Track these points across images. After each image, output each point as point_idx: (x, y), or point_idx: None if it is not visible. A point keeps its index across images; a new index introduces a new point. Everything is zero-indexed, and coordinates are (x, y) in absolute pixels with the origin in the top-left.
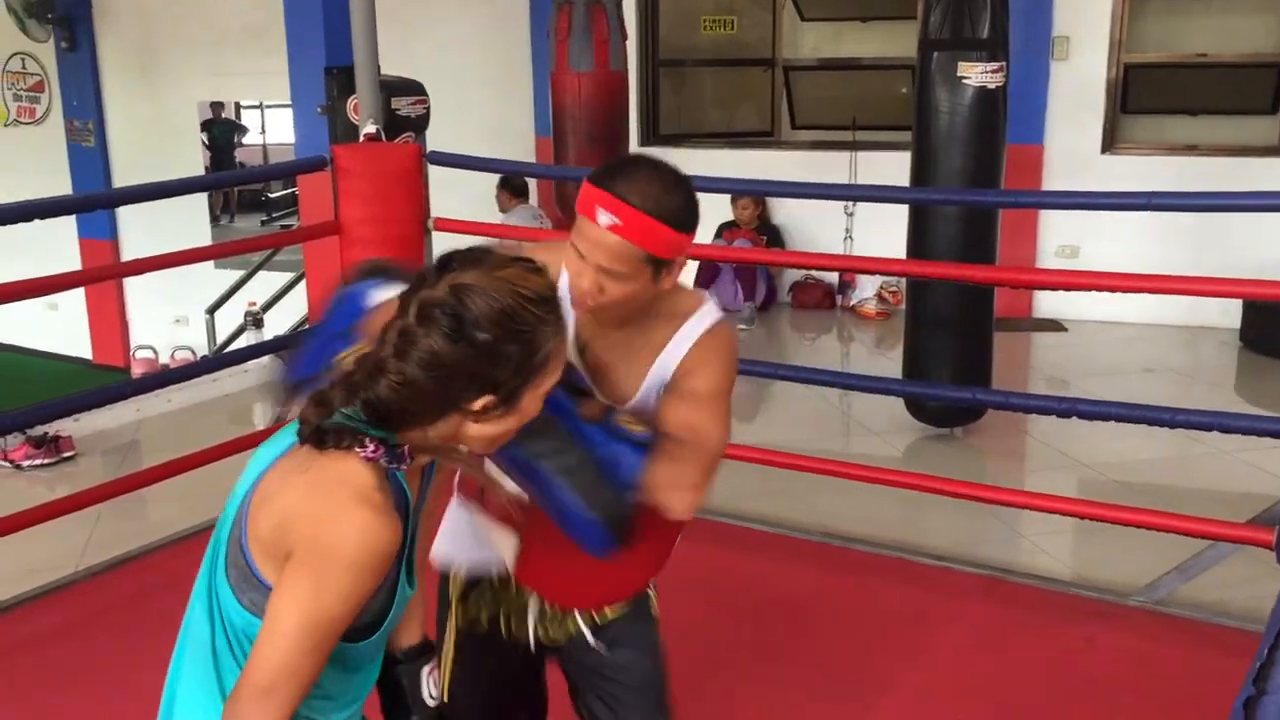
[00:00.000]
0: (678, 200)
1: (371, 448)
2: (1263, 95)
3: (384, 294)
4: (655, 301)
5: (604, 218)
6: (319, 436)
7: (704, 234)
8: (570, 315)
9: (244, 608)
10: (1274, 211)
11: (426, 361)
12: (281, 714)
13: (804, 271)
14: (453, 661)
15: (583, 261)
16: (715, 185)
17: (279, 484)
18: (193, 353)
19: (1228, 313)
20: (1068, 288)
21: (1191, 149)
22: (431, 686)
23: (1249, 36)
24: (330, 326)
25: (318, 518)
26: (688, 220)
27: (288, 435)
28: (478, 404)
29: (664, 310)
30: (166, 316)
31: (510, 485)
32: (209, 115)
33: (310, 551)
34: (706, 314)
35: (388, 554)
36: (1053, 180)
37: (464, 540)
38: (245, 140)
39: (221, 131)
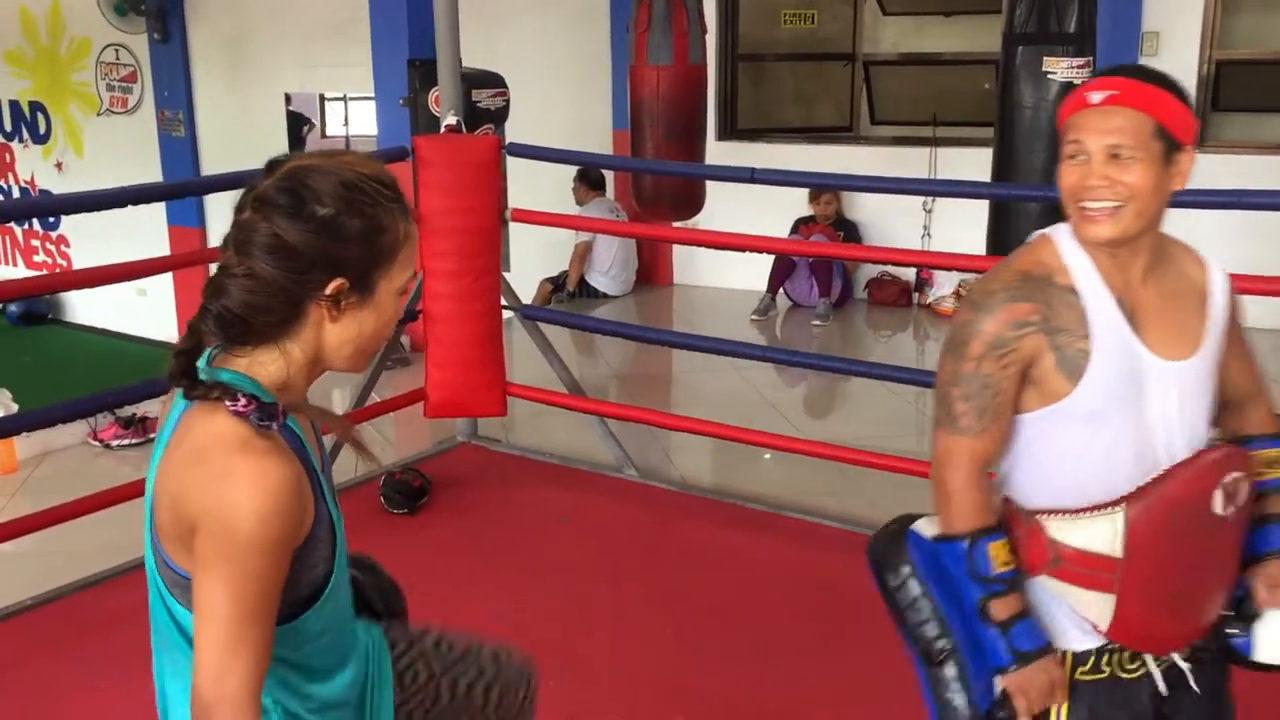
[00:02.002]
0: (1173, 81)
1: (243, 402)
2: None
3: None
4: (1165, 240)
5: (1098, 95)
6: (189, 386)
7: (781, 228)
8: (1099, 289)
9: (184, 606)
10: None
11: (269, 245)
12: (244, 694)
13: (881, 268)
14: None
15: (1084, 163)
16: (794, 179)
17: (162, 473)
18: None
19: None
20: None
21: None
22: None
23: None
24: None
25: (205, 484)
26: (1191, 104)
27: (175, 409)
28: (330, 287)
29: (1175, 248)
30: None
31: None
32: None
33: (211, 521)
34: (1209, 258)
35: (290, 490)
36: None
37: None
38: (326, 132)
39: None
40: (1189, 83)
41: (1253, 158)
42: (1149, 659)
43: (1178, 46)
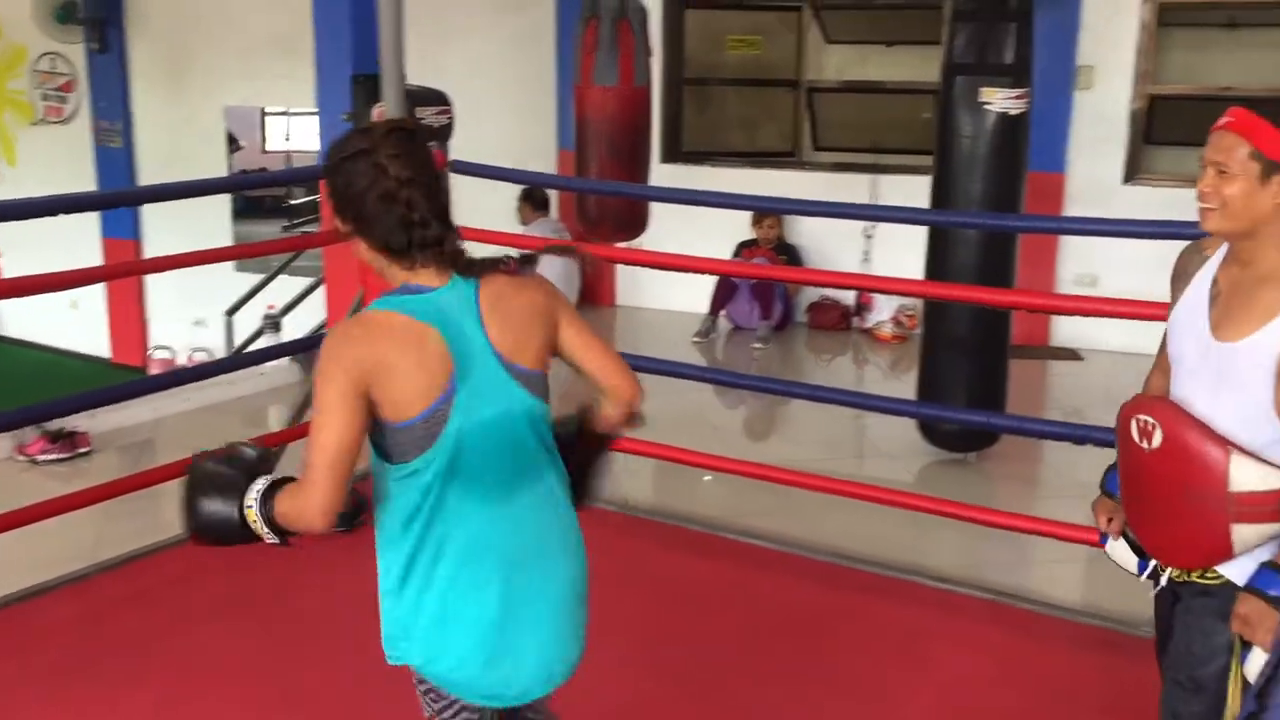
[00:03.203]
0: None
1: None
2: None
3: None
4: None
5: (1220, 121)
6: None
7: (723, 252)
8: (1212, 267)
9: (545, 401)
10: None
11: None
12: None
13: (821, 292)
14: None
15: (1202, 173)
16: (737, 202)
17: (501, 324)
18: (209, 354)
19: None
20: (1085, 313)
21: None
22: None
23: (1273, 71)
24: None
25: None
26: None
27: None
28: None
29: None
30: (186, 318)
31: None
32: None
33: (562, 303)
34: None
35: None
36: (1073, 209)
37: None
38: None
39: None
40: (1120, 117)
41: (1185, 190)
42: (1163, 573)
43: (1111, 80)
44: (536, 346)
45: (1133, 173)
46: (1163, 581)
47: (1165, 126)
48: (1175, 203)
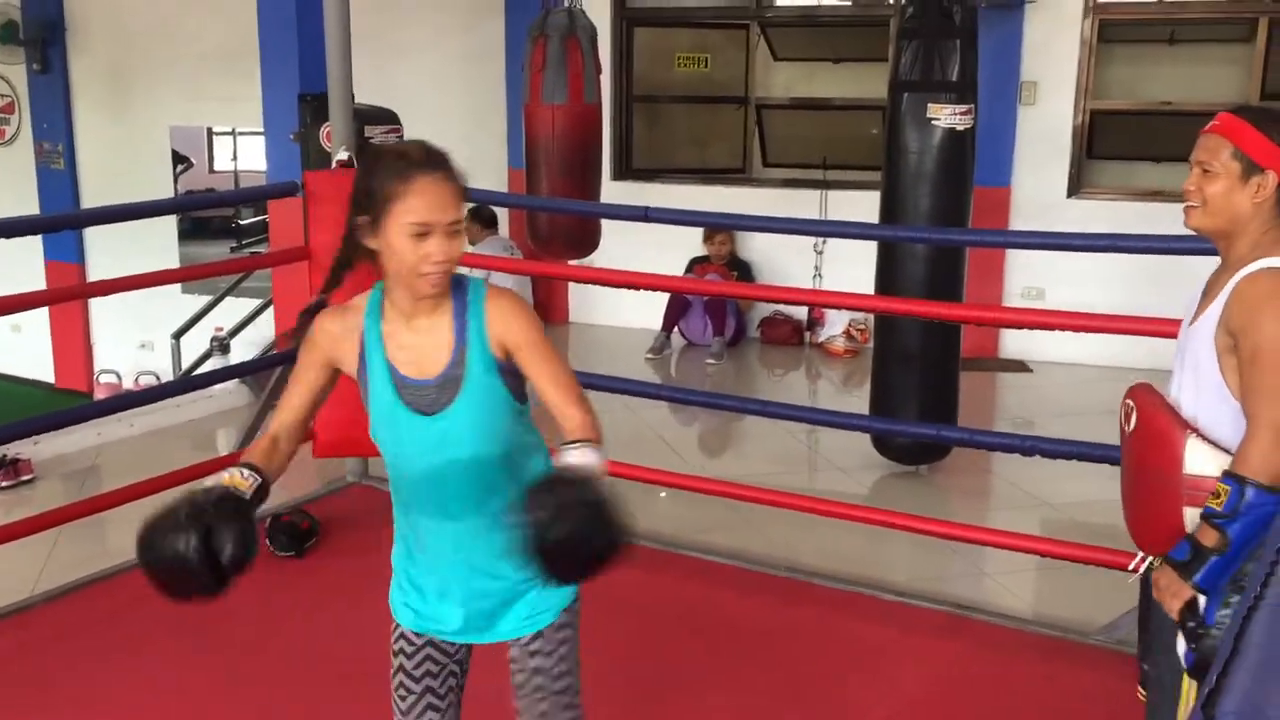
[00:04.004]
0: (1268, 118)
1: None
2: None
3: None
4: (1252, 249)
5: (1210, 124)
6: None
7: (675, 268)
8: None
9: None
10: None
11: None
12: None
13: (774, 307)
14: None
15: (1191, 170)
16: (688, 218)
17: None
18: (157, 378)
19: None
20: (1033, 326)
21: (1156, 194)
22: None
23: (1212, 86)
24: None
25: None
26: (1275, 137)
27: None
28: (359, 220)
29: (1251, 258)
30: (132, 341)
31: None
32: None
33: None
34: (1265, 261)
35: (319, 330)
36: (1019, 223)
37: None
38: (214, 167)
39: None
40: (1064, 131)
41: (1125, 203)
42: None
43: (1054, 97)
44: None
45: (1076, 187)
46: (1141, 569)
47: (1107, 141)
48: (1118, 216)
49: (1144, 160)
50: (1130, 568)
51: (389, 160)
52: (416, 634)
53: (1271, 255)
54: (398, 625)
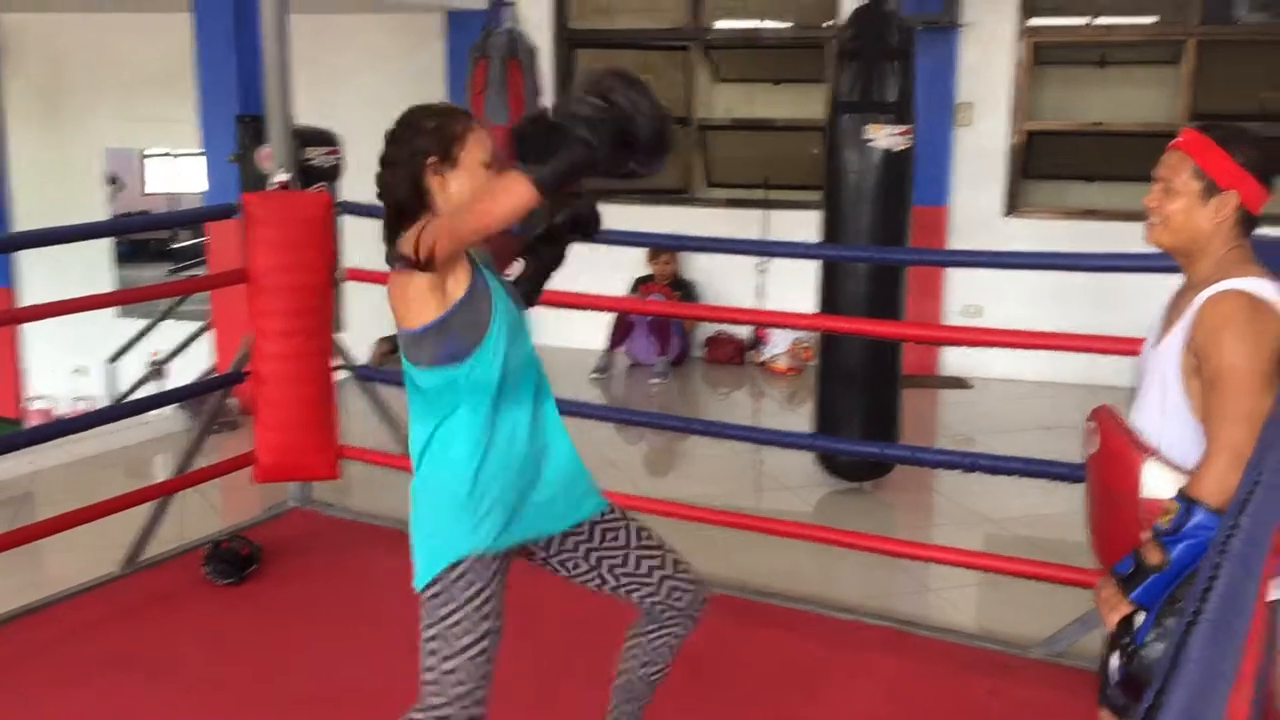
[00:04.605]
0: (1244, 141)
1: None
2: (1155, 163)
3: None
4: (1215, 269)
5: (1175, 140)
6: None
7: (620, 288)
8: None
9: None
10: (1165, 273)
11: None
12: None
13: (718, 327)
14: None
15: (1153, 185)
16: (632, 240)
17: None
18: (92, 404)
19: (1124, 371)
20: (971, 344)
21: (1089, 213)
22: None
23: (1143, 108)
24: None
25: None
26: (1249, 161)
27: None
28: (429, 160)
29: (1214, 279)
30: (65, 367)
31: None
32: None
33: None
34: (1228, 283)
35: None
36: (957, 241)
37: None
38: (146, 190)
39: None
40: (999, 152)
41: (1060, 222)
42: None
43: (990, 117)
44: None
45: (1012, 206)
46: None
47: (1041, 161)
48: (1052, 234)
49: (1077, 179)
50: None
51: (450, 110)
52: (496, 554)
53: (1234, 276)
54: (471, 559)
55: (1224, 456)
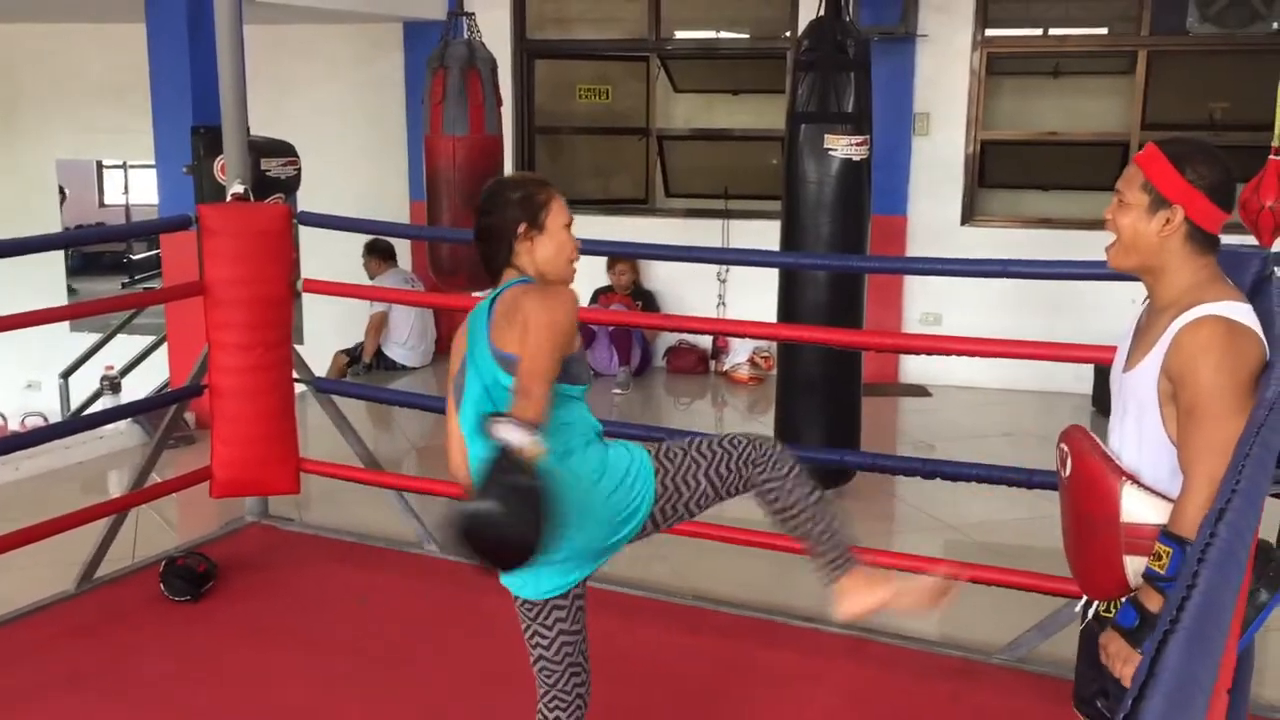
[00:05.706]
0: (1199, 158)
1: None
2: (1110, 172)
3: None
4: (1185, 291)
5: (1137, 153)
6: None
7: (580, 298)
8: (1140, 308)
9: (509, 373)
10: (1120, 280)
11: (482, 221)
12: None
13: (679, 336)
14: None
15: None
16: (592, 249)
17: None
18: (44, 419)
19: (1080, 378)
20: (931, 351)
21: (1045, 222)
22: None
23: (1096, 117)
24: None
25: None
26: (1201, 178)
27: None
28: (519, 228)
29: (1186, 302)
30: (17, 382)
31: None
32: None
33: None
34: (1204, 309)
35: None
36: (915, 250)
37: None
38: (104, 201)
39: None
40: (956, 161)
41: (1016, 230)
42: (1091, 604)
43: (946, 127)
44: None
45: (969, 214)
46: (1089, 614)
47: (997, 170)
48: (1008, 242)
49: (1032, 188)
50: (1076, 610)
51: (533, 180)
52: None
53: (1208, 299)
54: (557, 594)
55: (1206, 490)
